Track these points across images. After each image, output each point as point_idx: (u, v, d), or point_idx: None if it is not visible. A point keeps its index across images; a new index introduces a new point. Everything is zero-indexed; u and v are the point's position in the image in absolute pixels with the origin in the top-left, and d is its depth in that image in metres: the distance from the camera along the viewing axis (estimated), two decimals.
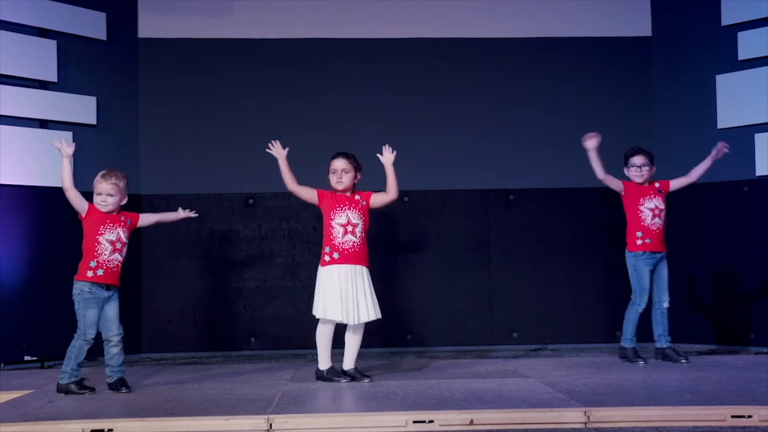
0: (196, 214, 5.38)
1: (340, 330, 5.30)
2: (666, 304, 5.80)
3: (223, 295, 7.15)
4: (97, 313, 4.95)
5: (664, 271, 5.84)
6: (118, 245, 5.01)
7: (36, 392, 5.06)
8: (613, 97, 7.39)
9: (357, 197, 5.33)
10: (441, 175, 7.25)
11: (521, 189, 7.27)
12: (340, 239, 5.24)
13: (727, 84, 6.91)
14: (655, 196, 5.83)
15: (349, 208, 5.28)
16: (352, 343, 5.29)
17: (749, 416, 4.10)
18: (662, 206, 5.83)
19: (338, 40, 7.33)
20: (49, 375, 5.86)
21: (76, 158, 6.63)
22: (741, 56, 6.83)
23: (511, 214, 7.27)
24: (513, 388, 4.84)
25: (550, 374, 5.39)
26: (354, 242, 5.23)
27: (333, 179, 5.31)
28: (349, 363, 5.31)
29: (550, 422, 4.13)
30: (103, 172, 5.07)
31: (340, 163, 5.31)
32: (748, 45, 6.79)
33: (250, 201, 7.20)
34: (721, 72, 6.94)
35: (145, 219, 5.25)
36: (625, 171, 5.89)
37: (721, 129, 6.92)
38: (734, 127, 6.85)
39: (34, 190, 6.50)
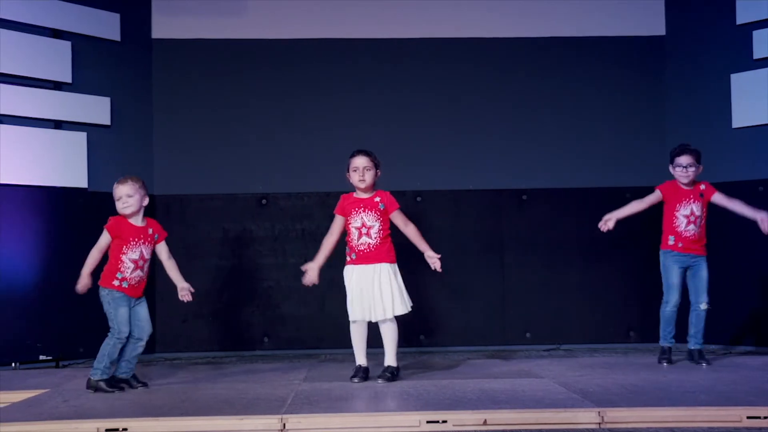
0: (188, 299, 5.23)
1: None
2: (703, 306, 5.69)
3: (237, 294, 7.17)
4: (128, 311, 5.02)
5: (701, 272, 5.72)
6: (140, 263, 5.07)
7: (51, 392, 5.08)
8: (626, 96, 7.36)
9: (377, 199, 5.31)
10: (454, 175, 7.24)
11: (534, 189, 7.26)
12: (356, 241, 5.27)
13: (741, 83, 6.87)
14: (694, 201, 5.71)
15: (364, 211, 5.28)
16: (385, 340, 5.29)
17: (765, 417, 4.07)
18: (699, 212, 5.70)
19: (350, 40, 7.33)
20: (64, 374, 5.89)
21: (90, 159, 6.73)
22: (756, 55, 6.79)
23: (524, 214, 7.25)
24: (526, 389, 4.83)
25: (563, 374, 5.38)
26: (369, 243, 5.24)
27: (355, 177, 5.29)
28: (387, 359, 5.31)
29: (563, 422, 4.12)
30: (119, 179, 5.13)
31: (361, 161, 5.28)
32: (763, 44, 6.75)
33: (264, 201, 7.21)
34: (736, 71, 6.90)
35: (163, 248, 5.21)
36: (671, 170, 5.77)
37: (735, 128, 6.89)
38: (749, 127, 6.82)
39: (48, 191, 6.53)
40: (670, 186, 5.79)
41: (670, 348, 5.83)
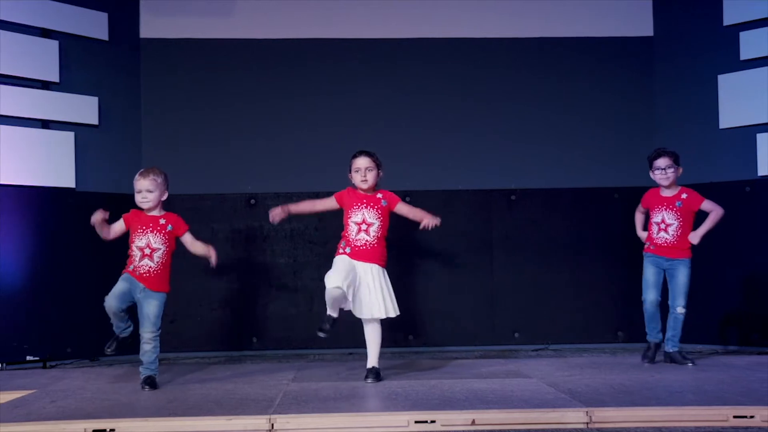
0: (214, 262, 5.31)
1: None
2: (679, 310, 5.70)
3: (225, 295, 7.15)
4: (122, 288, 5.03)
5: (679, 276, 5.73)
6: (147, 251, 5.08)
7: (38, 392, 5.06)
8: (614, 97, 7.38)
9: (379, 195, 5.34)
10: (443, 175, 7.25)
11: (523, 189, 7.27)
12: (354, 236, 5.28)
13: (729, 84, 6.90)
14: (666, 209, 5.74)
15: (366, 207, 5.30)
16: (370, 340, 5.30)
17: (751, 416, 4.10)
18: (673, 221, 5.72)
19: (340, 40, 7.32)
20: (52, 375, 5.86)
21: (78, 158, 6.70)
22: (743, 56, 6.82)
23: (513, 214, 7.27)
24: (515, 389, 4.84)
25: (552, 374, 5.39)
26: (367, 240, 5.26)
27: (357, 178, 5.32)
28: (371, 360, 5.30)
29: (552, 422, 4.13)
30: (141, 170, 5.20)
31: (363, 161, 5.32)
32: (750, 45, 6.78)
33: (252, 201, 7.20)
34: (723, 72, 6.93)
35: (189, 239, 5.24)
36: (651, 175, 5.81)
37: (723, 129, 6.92)
38: (736, 127, 6.85)
39: (36, 191, 6.50)
40: (651, 193, 5.87)
41: (657, 344, 5.85)
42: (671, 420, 4.11)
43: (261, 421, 4.14)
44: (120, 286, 5.05)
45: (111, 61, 7.04)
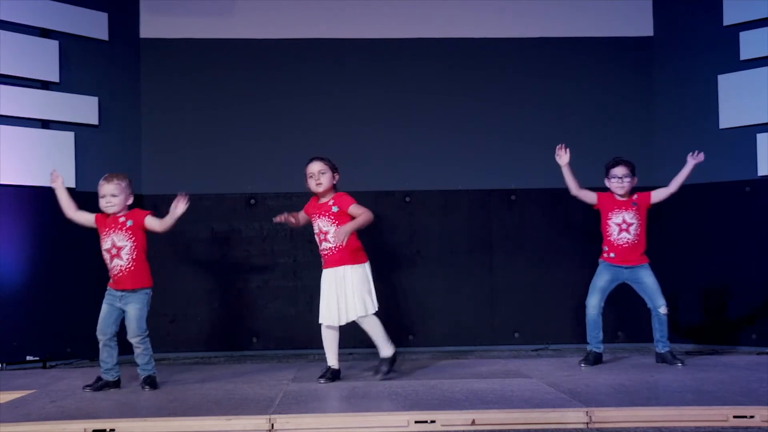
0: (185, 203, 5.07)
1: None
2: (662, 310, 5.69)
3: (225, 295, 7.15)
4: (105, 311, 5.07)
5: (646, 279, 5.72)
6: (114, 251, 5.07)
7: (38, 392, 5.06)
8: (614, 97, 7.38)
9: (330, 202, 5.33)
10: (443, 175, 7.25)
11: (523, 189, 7.27)
12: (320, 247, 5.38)
13: (729, 84, 6.90)
14: (626, 209, 5.75)
15: (320, 217, 5.35)
16: (369, 335, 5.37)
17: (751, 416, 4.10)
18: (633, 220, 5.73)
19: (340, 40, 7.33)
20: (52, 375, 5.86)
21: (78, 158, 6.70)
22: (743, 56, 6.82)
23: (513, 214, 7.27)
24: (515, 388, 4.84)
25: (552, 374, 5.39)
26: (329, 247, 5.31)
27: (312, 183, 5.35)
28: (380, 352, 5.39)
29: (552, 422, 4.13)
30: (106, 175, 5.16)
31: (315, 166, 5.35)
32: (750, 45, 6.78)
33: (252, 201, 7.20)
34: (723, 72, 6.93)
35: (153, 222, 5.11)
36: (606, 182, 5.84)
37: (723, 129, 6.92)
38: (736, 127, 6.85)
39: (36, 191, 6.50)
40: (606, 196, 5.85)
41: (599, 354, 5.80)
42: (671, 420, 4.11)
43: (261, 421, 4.14)
44: (103, 310, 5.09)
45: (111, 61, 7.05)
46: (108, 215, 5.11)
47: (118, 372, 5.14)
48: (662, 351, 5.74)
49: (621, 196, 5.78)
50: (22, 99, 6.50)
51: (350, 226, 5.20)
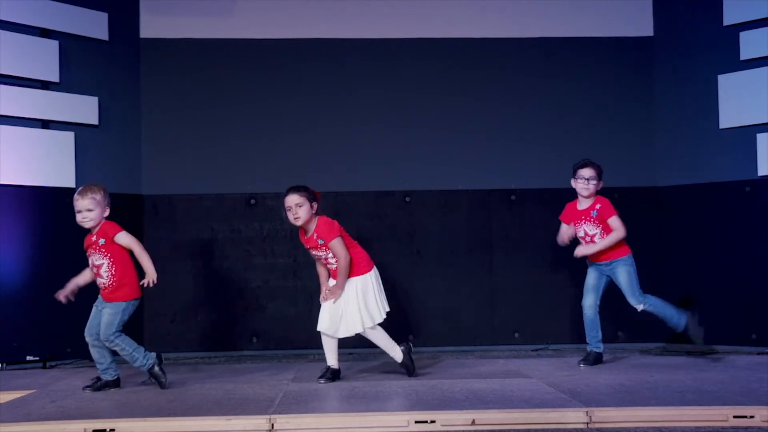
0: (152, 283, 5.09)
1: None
2: (639, 308, 5.69)
3: (225, 295, 7.15)
4: (92, 313, 5.14)
5: (620, 277, 5.73)
6: (94, 269, 5.11)
7: (38, 392, 5.07)
8: (614, 97, 7.37)
9: (315, 236, 5.27)
10: (443, 175, 7.24)
11: (523, 189, 7.27)
12: (318, 269, 5.47)
13: (729, 84, 6.90)
14: (585, 221, 5.78)
15: (312, 249, 5.36)
16: (379, 346, 5.44)
17: (751, 416, 4.10)
18: (595, 230, 5.74)
19: (340, 40, 7.32)
20: (52, 375, 5.87)
21: (78, 158, 6.70)
22: (743, 56, 6.82)
23: (513, 214, 7.26)
24: (515, 389, 4.84)
25: (552, 374, 5.39)
26: (331, 268, 5.34)
27: (290, 216, 5.25)
28: (393, 358, 5.46)
29: (552, 422, 4.14)
30: (79, 189, 5.11)
31: (292, 199, 5.23)
32: (750, 45, 6.78)
33: (252, 201, 7.20)
34: (723, 72, 6.92)
35: (127, 240, 5.04)
36: (572, 182, 5.86)
37: (723, 129, 6.91)
38: (736, 127, 6.84)
39: (36, 191, 6.50)
40: (567, 208, 5.90)
41: (599, 354, 5.82)
42: (671, 420, 4.11)
43: (261, 421, 4.14)
44: (92, 312, 5.14)
45: (111, 61, 7.04)
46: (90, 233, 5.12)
47: (116, 371, 5.14)
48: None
49: (585, 198, 5.78)
50: (22, 99, 6.49)
51: (340, 282, 5.24)
